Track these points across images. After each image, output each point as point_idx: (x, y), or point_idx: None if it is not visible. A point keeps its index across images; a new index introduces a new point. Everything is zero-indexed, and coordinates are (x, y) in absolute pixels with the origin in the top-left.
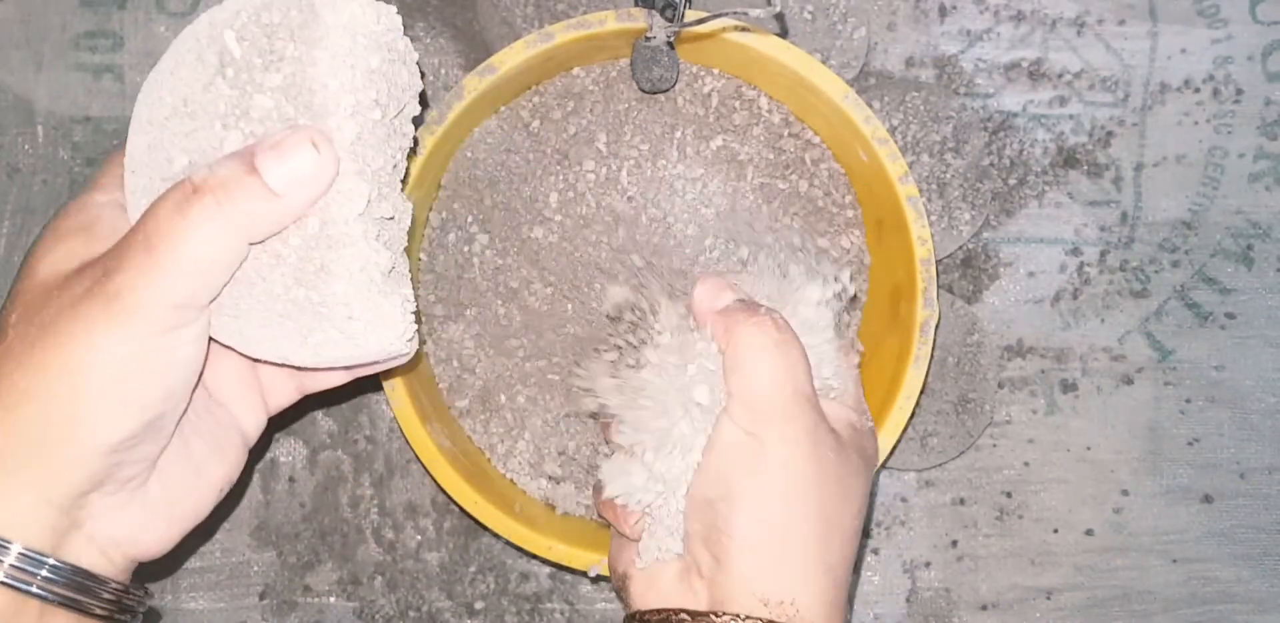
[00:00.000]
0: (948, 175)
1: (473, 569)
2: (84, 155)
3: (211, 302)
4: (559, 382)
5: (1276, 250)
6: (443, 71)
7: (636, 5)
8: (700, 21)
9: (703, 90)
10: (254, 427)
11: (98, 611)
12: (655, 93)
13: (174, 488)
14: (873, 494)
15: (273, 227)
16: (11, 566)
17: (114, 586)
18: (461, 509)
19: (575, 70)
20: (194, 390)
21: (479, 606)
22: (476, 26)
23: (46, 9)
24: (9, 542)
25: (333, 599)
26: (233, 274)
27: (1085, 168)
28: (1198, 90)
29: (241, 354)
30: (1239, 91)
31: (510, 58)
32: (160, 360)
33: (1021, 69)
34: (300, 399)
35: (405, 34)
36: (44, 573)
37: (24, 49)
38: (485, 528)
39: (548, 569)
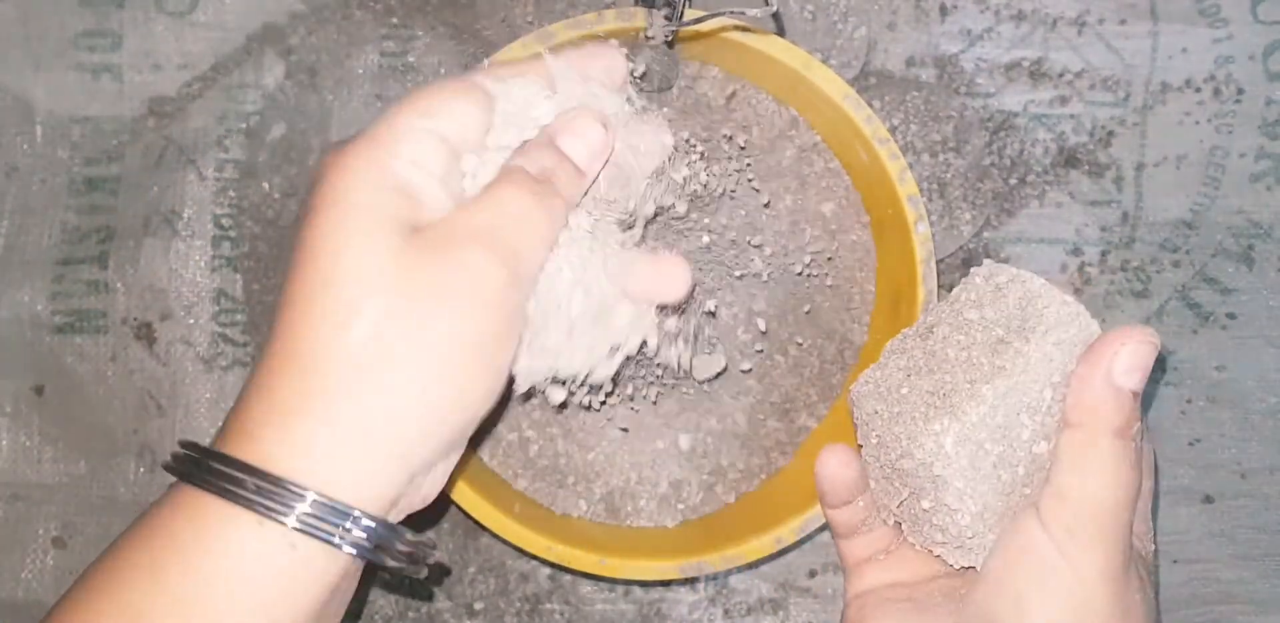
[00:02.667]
0: (948, 175)
1: (472, 570)
2: (82, 155)
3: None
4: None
5: (1277, 250)
6: (442, 71)
7: (636, 4)
8: (699, 21)
9: (703, 89)
10: None
11: (397, 563)
12: (654, 92)
13: None
14: None
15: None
16: (369, 540)
17: (421, 542)
18: (461, 510)
19: None
20: None
21: (478, 606)
22: (476, 26)
23: (45, 8)
24: (366, 517)
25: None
26: None
27: (1086, 168)
28: (1199, 90)
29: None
30: (1240, 91)
31: (510, 57)
32: (510, 339)
33: (1022, 68)
34: None
35: (405, 34)
36: (372, 536)
37: (22, 48)
38: (485, 529)
39: (547, 570)
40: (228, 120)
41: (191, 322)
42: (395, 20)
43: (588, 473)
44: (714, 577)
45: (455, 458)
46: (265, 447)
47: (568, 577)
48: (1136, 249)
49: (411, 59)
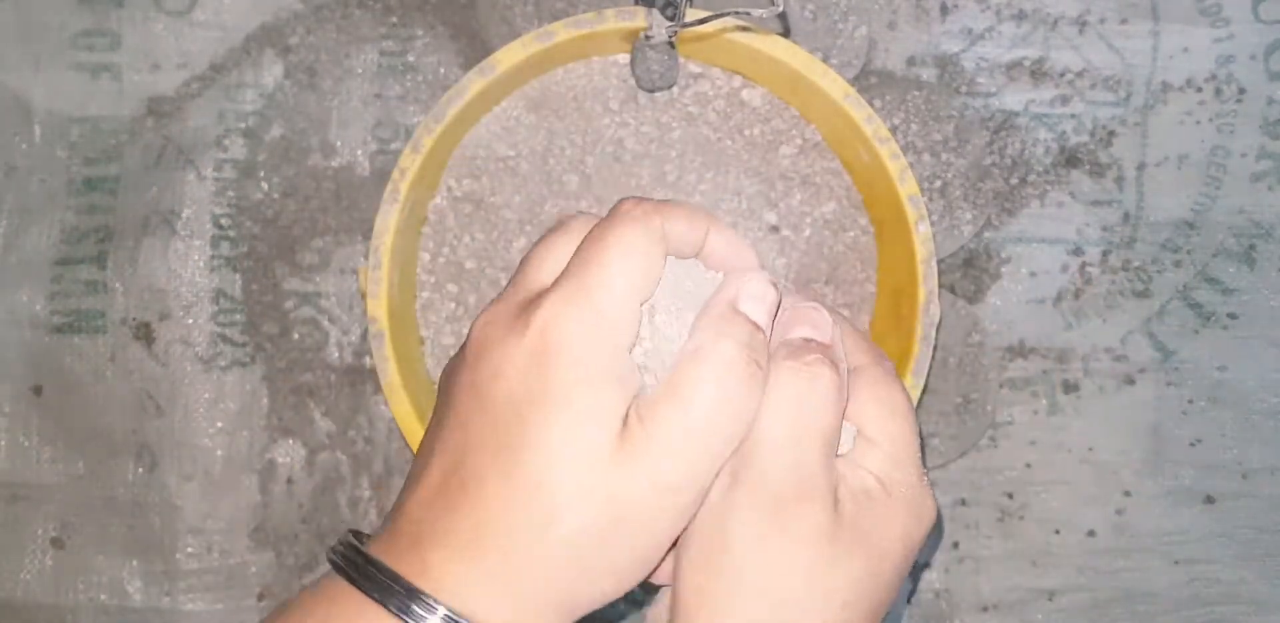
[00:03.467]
0: (949, 175)
1: None
2: (81, 154)
3: None
4: None
5: (1279, 250)
6: (442, 71)
7: (636, 3)
8: (701, 21)
9: (703, 89)
10: None
11: None
12: (655, 91)
13: None
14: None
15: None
16: None
17: None
18: None
19: (574, 67)
20: None
21: None
22: (476, 25)
23: (44, 8)
24: None
25: None
26: None
27: (1087, 167)
28: (1200, 89)
29: None
30: (1241, 91)
31: (510, 56)
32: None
33: (1023, 68)
34: None
35: (405, 33)
36: None
37: (21, 48)
38: None
39: None
40: (227, 120)
41: (190, 322)
42: (395, 20)
43: None
44: None
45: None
46: (442, 579)
47: None
48: (1138, 249)
49: (411, 58)
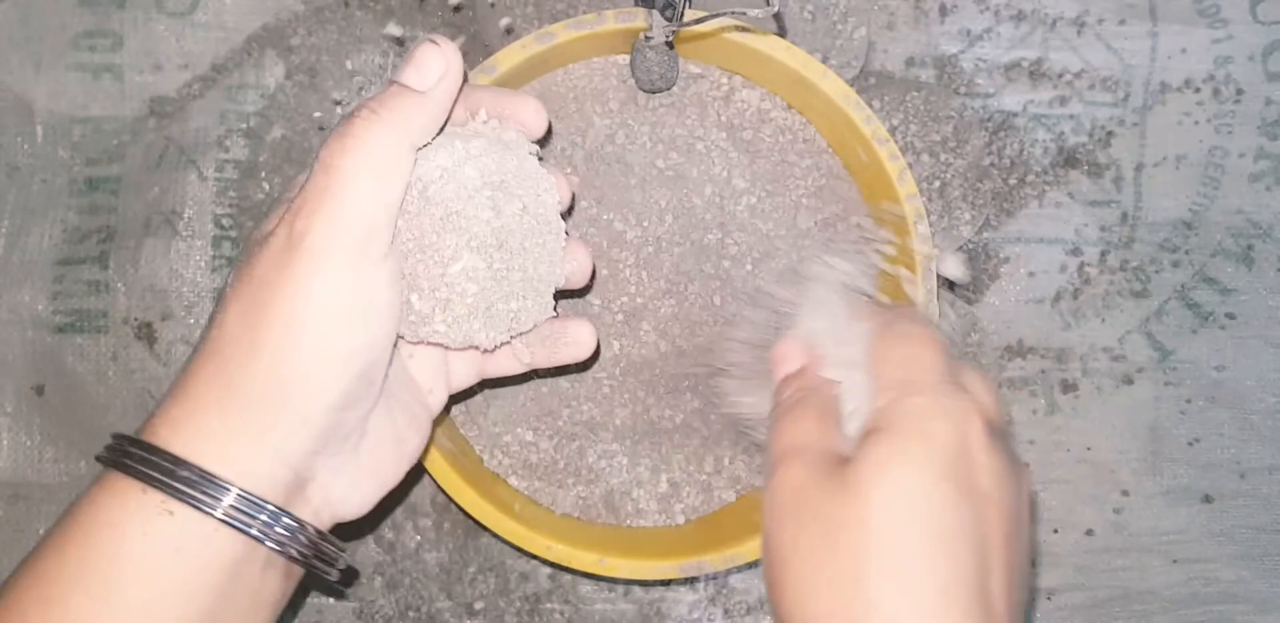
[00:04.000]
0: (948, 175)
1: (472, 570)
2: (83, 155)
3: (394, 241)
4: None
5: (1277, 250)
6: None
7: (636, 4)
8: (700, 21)
9: (702, 89)
10: (438, 403)
11: (303, 561)
12: (655, 92)
13: (380, 453)
14: None
15: (430, 122)
16: (259, 520)
17: (327, 545)
18: (461, 510)
19: (574, 68)
20: (393, 348)
21: (478, 606)
22: (476, 26)
23: (46, 9)
24: (255, 497)
25: (332, 600)
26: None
27: (1085, 168)
28: (1198, 90)
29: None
30: (1239, 91)
31: (510, 57)
32: (360, 307)
33: (1022, 69)
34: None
35: (405, 34)
36: (278, 527)
37: (23, 48)
38: (485, 528)
39: (547, 569)
40: (228, 120)
41: (192, 322)
42: (395, 20)
43: (587, 473)
44: (714, 577)
45: (373, 454)
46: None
47: (568, 576)
48: (1136, 249)
49: None
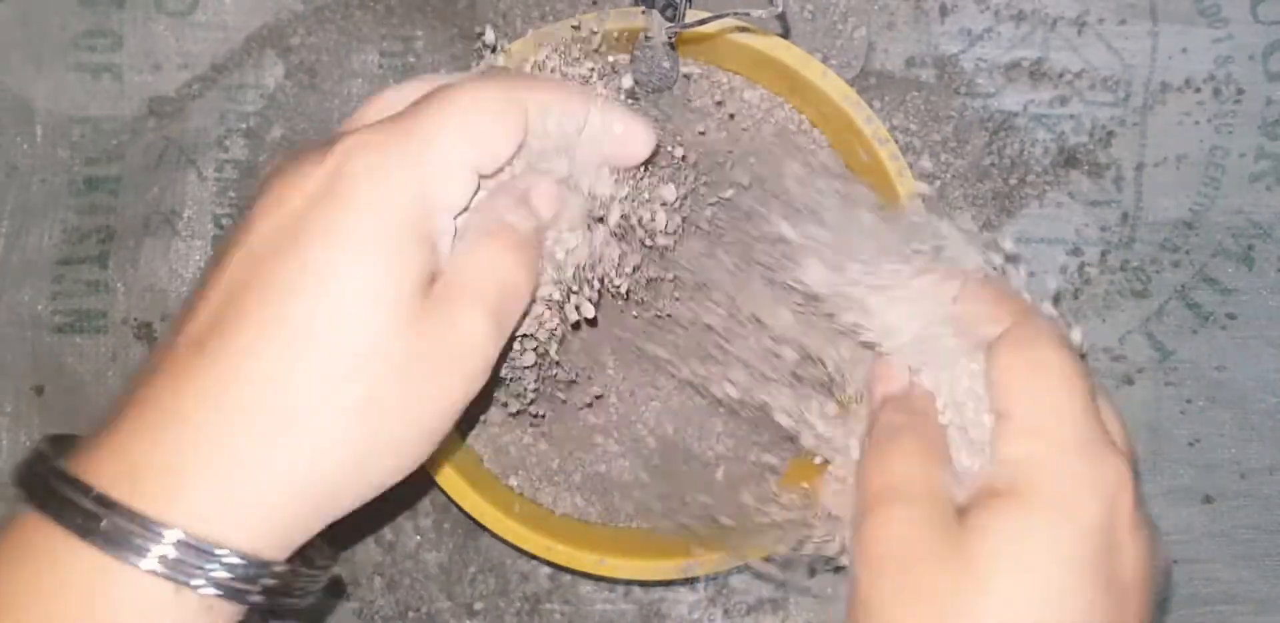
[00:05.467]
0: (948, 175)
1: (472, 570)
2: (83, 155)
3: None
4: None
5: (1278, 250)
6: (442, 71)
7: (636, 4)
8: (701, 22)
9: (703, 89)
10: None
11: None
12: (654, 92)
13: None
14: None
15: None
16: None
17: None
18: (461, 510)
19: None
20: None
21: (478, 606)
22: (477, 27)
23: (45, 8)
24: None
25: (332, 599)
26: None
27: (1086, 168)
28: (1198, 90)
29: None
30: (1240, 91)
31: (508, 59)
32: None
33: (1022, 69)
34: None
35: (405, 34)
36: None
37: (23, 48)
38: (485, 529)
39: (547, 570)
40: (228, 120)
41: None
42: (395, 20)
43: (587, 473)
44: (714, 577)
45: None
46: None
47: (568, 577)
48: (1136, 249)
49: (411, 59)
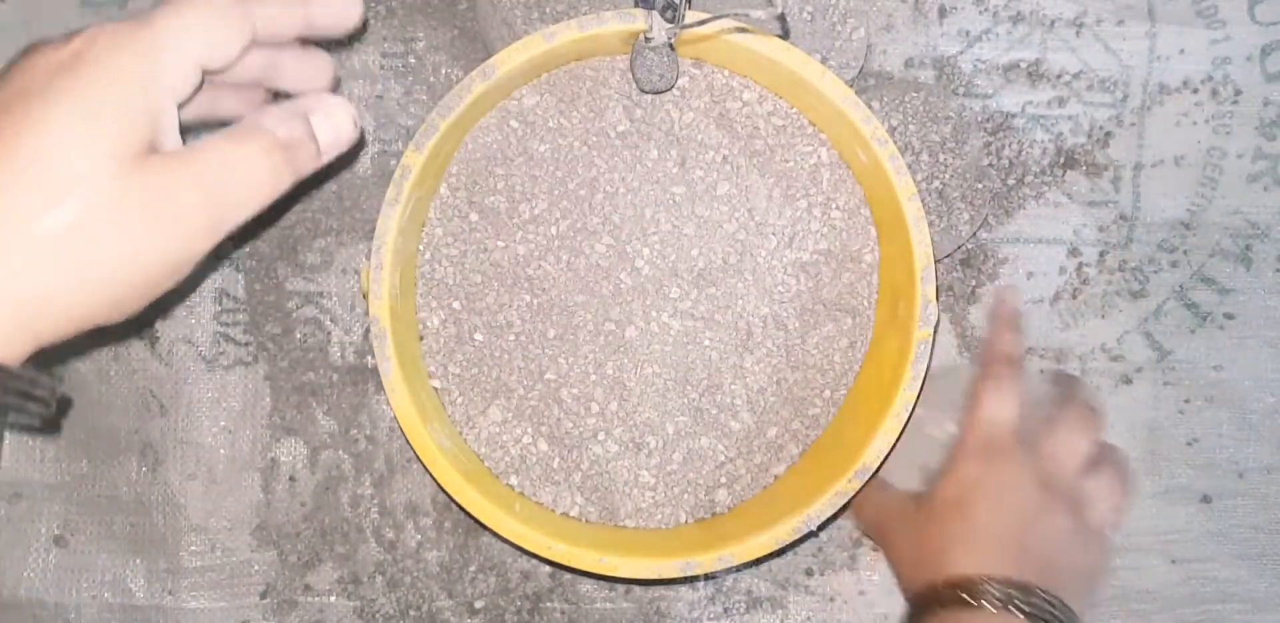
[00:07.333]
0: (947, 176)
1: (473, 569)
2: None
3: None
4: (555, 380)
5: (1275, 251)
6: (443, 71)
7: (636, 5)
8: (701, 23)
9: (702, 90)
10: None
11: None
12: (654, 93)
13: None
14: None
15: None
16: None
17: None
18: (462, 509)
19: (574, 68)
20: None
21: (479, 605)
22: (476, 27)
23: (46, 9)
24: None
25: (333, 599)
26: None
27: (1084, 168)
28: (1196, 91)
29: None
30: (1237, 92)
31: (510, 59)
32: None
33: (1020, 69)
34: None
35: (405, 34)
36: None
37: None
38: (485, 527)
39: (548, 568)
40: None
41: (193, 321)
42: (396, 21)
43: (588, 472)
44: (714, 575)
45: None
46: None
47: (568, 575)
48: (1134, 249)
49: (412, 60)
